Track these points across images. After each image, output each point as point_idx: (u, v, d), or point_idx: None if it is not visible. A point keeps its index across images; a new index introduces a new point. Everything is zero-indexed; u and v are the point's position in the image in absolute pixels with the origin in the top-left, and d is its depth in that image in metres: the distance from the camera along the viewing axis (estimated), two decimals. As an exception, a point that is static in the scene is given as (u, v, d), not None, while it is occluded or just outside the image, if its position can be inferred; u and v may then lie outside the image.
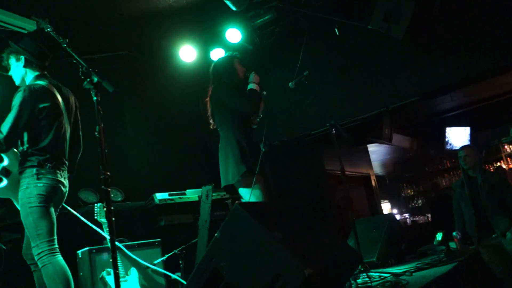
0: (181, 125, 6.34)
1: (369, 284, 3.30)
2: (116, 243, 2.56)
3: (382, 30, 5.03)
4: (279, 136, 6.47)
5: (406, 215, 10.76)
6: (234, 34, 5.57)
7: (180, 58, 5.75)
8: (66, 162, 3.29)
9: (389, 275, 3.69)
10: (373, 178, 9.27)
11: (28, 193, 2.98)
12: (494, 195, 4.75)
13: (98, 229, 3.88)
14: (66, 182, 3.26)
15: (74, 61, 2.50)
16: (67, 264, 4.29)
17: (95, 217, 3.99)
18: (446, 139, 9.22)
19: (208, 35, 5.79)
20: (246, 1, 4.93)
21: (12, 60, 3.27)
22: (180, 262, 4.43)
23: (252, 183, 3.37)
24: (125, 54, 5.81)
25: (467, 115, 9.08)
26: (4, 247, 3.76)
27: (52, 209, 3.10)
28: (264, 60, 6.39)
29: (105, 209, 3.99)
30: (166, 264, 4.33)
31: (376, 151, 9.58)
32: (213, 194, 4.81)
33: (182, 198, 4.98)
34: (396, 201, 11.20)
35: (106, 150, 2.31)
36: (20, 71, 3.26)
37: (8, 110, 2.99)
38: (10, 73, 3.34)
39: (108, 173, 2.29)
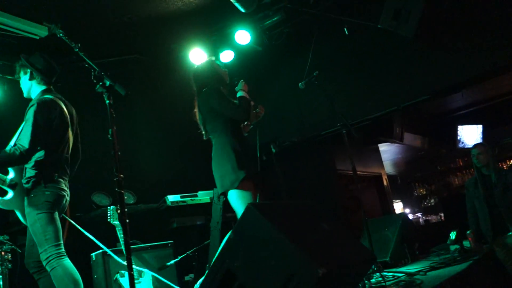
0: (192, 127, 6.35)
1: (383, 283, 3.28)
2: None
3: (391, 29, 5.01)
4: (290, 137, 6.47)
5: (419, 214, 10.68)
6: (243, 36, 5.58)
7: (190, 60, 5.77)
8: (68, 172, 3.41)
9: (402, 274, 3.67)
10: (384, 177, 9.21)
11: (36, 200, 3.10)
12: (509, 193, 4.70)
13: (93, 238, 3.89)
14: (68, 191, 3.37)
15: (86, 65, 2.53)
16: (82, 267, 4.34)
17: (108, 220, 4.01)
18: (458, 137, 9.14)
19: (218, 37, 5.80)
20: (255, 2, 4.94)
21: (21, 73, 3.44)
22: (194, 263, 4.45)
23: (249, 189, 3.27)
24: (135, 58, 5.85)
25: (479, 113, 9.00)
26: (19, 250, 3.81)
27: (57, 216, 3.19)
28: (274, 61, 6.40)
29: (118, 212, 4.05)
30: (179, 266, 4.35)
31: (387, 151, 9.52)
32: (224, 196, 4.83)
33: (194, 200, 5.00)
34: (408, 201, 11.11)
35: (119, 153, 2.33)
36: (26, 84, 3.43)
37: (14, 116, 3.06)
38: (20, 85, 3.50)
39: (121, 175, 2.31)
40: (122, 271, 4.00)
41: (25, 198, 3.14)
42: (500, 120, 9.36)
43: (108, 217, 4.02)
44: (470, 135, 9.10)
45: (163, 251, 4.34)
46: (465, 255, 4.30)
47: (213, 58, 3.87)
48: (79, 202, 4.88)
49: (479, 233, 4.91)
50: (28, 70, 3.39)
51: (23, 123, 3.28)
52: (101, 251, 4.07)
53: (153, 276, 4.09)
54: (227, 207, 4.96)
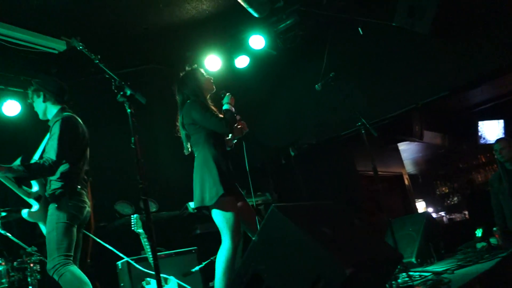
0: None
1: (410, 283, 3.24)
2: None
3: (406, 26, 4.97)
4: (308, 139, 6.45)
5: (442, 213, 10.51)
6: (257, 41, 5.60)
7: (205, 67, 5.81)
8: (87, 185, 3.51)
9: (429, 274, 3.62)
10: (405, 177, 9.11)
11: (59, 210, 3.19)
12: (534, 187, 4.62)
13: (112, 248, 4.00)
14: (89, 203, 3.46)
15: (106, 76, 2.57)
16: (108, 275, 4.40)
17: (132, 228, 4.06)
18: (480, 133, 8.99)
19: (232, 43, 5.84)
20: (268, 7, 4.95)
21: (34, 97, 3.58)
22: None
23: (229, 205, 3.20)
24: (152, 68, 5.92)
25: (499, 108, 8.84)
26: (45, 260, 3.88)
27: (75, 229, 3.26)
28: (289, 64, 6.40)
29: (141, 220, 4.10)
30: (204, 272, 4.37)
31: (407, 150, 9.41)
32: (246, 201, 4.83)
33: (216, 205, 5.01)
34: (431, 199, 10.95)
35: (142, 160, 2.36)
36: (41, 106, 3.55)
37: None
38: (35, 109, 3.62)
39: (146, 183, 2.34)
40: (148, 279, 4.04)
41: (50, 207, 3.23)
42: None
43: (132, 225, 4.07)
44: (491, 130, 8.93)
45: (187, 257, 4.37)
46: (493, 252, 4.22)
47: (195, 65, 3.73)
48: (103, 212, 4.96)
49: (506, 229, 4.82)
50: (41, 93, 3.52)
51: (47, 136, 3.37)
52: (126, 259, 4.12)
53: (178, 284, 4.12)
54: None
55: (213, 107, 3.55)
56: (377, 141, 7.50)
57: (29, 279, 3.81)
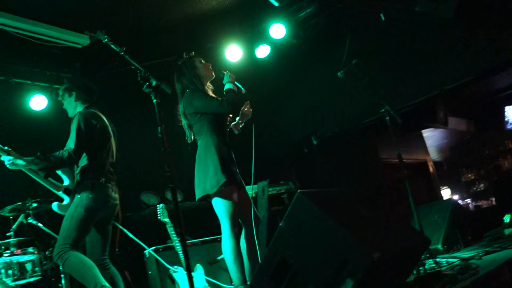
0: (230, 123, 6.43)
1: (437, 269, 3.22)
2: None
3: (429, 11, 4.88)
4: (330, 128, 6.42)
5: (468, 200, 10.35)
6: (278, 30, 5.57)
7: (226, 58, 5.83)
8: (115, 178, 3.58)
9: (457, 260, 3.59)
10: (430, 164, 8.99)
11: (80, 200, 3.28)
12: None
13: (136, 239, 4.11)
14: (116, 196, 3.53)
15: (132, 67, 2.61)
16: (135, 264, 4.49)
17: (158, 218, 4.14)
18: (506, 119, 8.80)
19: (253, 33, 5.83)
20: (288, -5, 4.92)
21: (66, 96, 3.68)
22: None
23: (230, 194, 3.21)
24: (173, 60, 5.96)
25: (526, 92, 8.62)
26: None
27: (92, 223, 3.33)
28: (310, 53, 6.36)
29: (167, 210, 4.17)
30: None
31: (432, 136, 9.27)
32: (269, 190, 4.86)
33: (239, 195, 5.05)
34: (457, 187, 10.79)
35: (169, 150, 2.40)
36: (72, 105, 3.66)
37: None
38: (64, 106, 3.73)
39: (173, 171, 2.38)
40: (175, 267, 4.12)
41: (74, 199, 3.34)
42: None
43: (158, 215, 4.14)
44: (518, 115, 8.73)
45: (213, 245, 4.44)
46: (522, 238, 4.15)
47: (193, 53, 3.66)
48: (129, 202, 5.05)
49: (535, 214, 4.73)
50: (74, 92, 3.64)
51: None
52: (153, 248, 4.21)
53: (205, 270, 4.19)
54: (271, 201, 5.00)
55: (212, 94, 3.55)
56: (401, 128, 7.41)
57: (60, 268, 3.93)
